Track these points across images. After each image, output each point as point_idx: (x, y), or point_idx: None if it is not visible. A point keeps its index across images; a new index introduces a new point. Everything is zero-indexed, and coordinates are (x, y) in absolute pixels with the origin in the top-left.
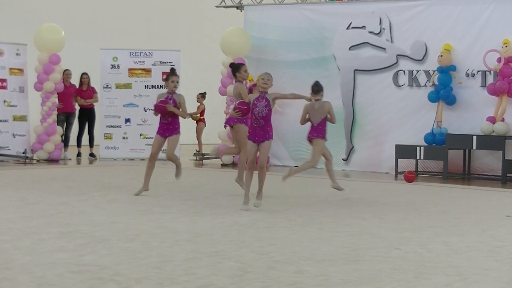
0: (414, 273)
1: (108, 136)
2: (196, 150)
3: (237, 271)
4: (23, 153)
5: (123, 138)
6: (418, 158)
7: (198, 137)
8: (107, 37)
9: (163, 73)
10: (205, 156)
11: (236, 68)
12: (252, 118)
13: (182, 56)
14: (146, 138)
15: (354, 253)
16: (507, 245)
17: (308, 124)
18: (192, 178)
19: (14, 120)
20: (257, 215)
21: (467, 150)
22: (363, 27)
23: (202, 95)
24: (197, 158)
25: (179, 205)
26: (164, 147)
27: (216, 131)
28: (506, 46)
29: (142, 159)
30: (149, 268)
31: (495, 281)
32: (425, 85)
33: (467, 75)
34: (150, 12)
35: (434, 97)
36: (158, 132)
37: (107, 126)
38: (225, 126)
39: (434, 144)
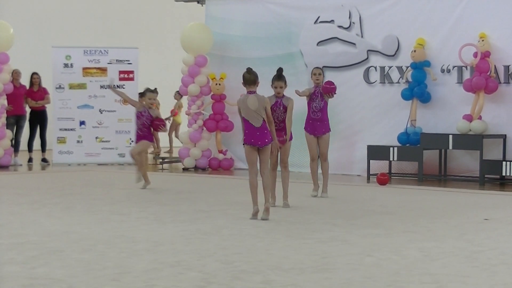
0: (388, 281)
1: (61, 140)
2: (156, 153)
3: (200, 282)
4: None
5: (78, 142)
6: (391, 159)
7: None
8: (59, 34)
9: (120, 72)
10: (165, 160)
11: (142, 93)
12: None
13: (140, 54)
14: (102, 141)
15: (324, 261)
16: (485, 250)
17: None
18: (152, 183)
19: None
20: (221, 222)
21: (443, 150)
22: (332, 21)
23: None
24: (157, 162)
25: (138, 212)
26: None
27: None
28: (482, 40)
29: (100, 164)
30: (106, 280)
31: None
32: (398, 82)
33: (442, 71)
34: (106, 7)
35: (407, 95)
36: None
37: (60, 129)
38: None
39: (408, 144)
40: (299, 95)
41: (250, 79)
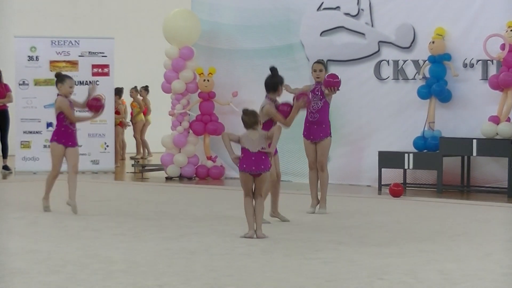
0: None
1: (25, 145)
2: (135, 161)
3: None
4: None
5: (44, 146)
6: (406, 167)
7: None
8: (22, 22)
9: (93, 66)
10: (146, 168)
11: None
12: None
13: (117, 45)
14: None
15: (329, 284)
16: None
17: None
18: (131, 194)
19: None
20: (210, 239)
21: (465, 157)
22: (338, 7)
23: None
24: (136, 170)
25: (113, 228)
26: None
27: (158, 137)
28: (511, 30)
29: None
30: None
31: None
32: (413, 78)
33: (465, 65)
34: None
35: (424, 93)
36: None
37: (24, 132)
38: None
39: (425, 150)
40: (289, 92)
41: (250, 121)
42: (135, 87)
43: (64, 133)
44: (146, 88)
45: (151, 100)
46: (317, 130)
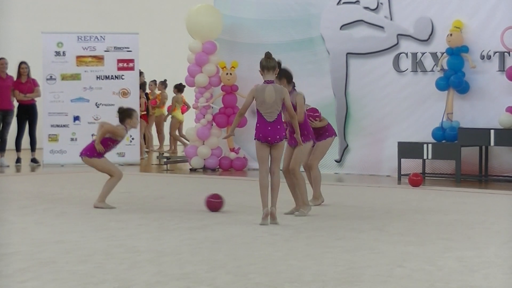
0: None
1: (53, 138)
2: (160, 153)
3: None
4: None
5: (71, 139)
6: (425, 157)
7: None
8: (50, 18)
9: (118, 60)
10: (170, 159)
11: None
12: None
13: (141, 40)
14: None
15: (350, 272)
16: None
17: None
18: (155, 186)
19: None
20: (233, 229)
21: (483, 147)
22: (357, 1)
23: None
24: (161, 162)
25: (139, 219)
26: None
27: (182, 130)
28: None
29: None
30: None
31: None
32: (432, 70)
33: (482, 57)
34: None
35: (443, 85)
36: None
37: (51, 126)
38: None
39: (444, 141)
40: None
41: (269, 65)
42: (154, 80)
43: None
44: (164, 82)
45: (173, 94)
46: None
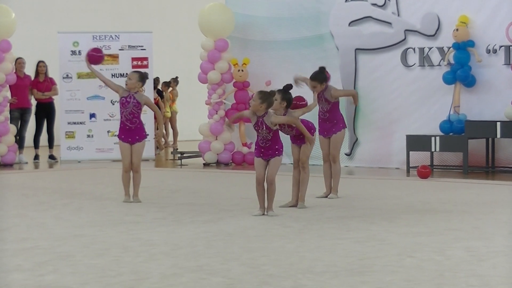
0: (431, 285)
1: (70, 135)
2: (174, 148)
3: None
4: None
5: (88, 136)
6: (433, 150)
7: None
8: (66, 18)
9: (133, 59)
10: (184, 155)
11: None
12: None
13: (155, 39)
14: (115, 135)
15: (361, 263)
16: None
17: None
18: (170, 180)
19: None
20: (246, 222)
21: (490, 139)
22: None
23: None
24: (175, 157)
25: (154, 213)
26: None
27: (195, 125)
28: None
29: (113, 161)
30: None
31: None
32: (439, 65)
33: (488, 51)
34: None
35: (450, 79)
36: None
37: (68, 123)
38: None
39: (451, 134)
40: (300, 80)
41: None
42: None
43: (123, 130)
44: (175, 79)
45: (187, 91)
46: (329, 126)
